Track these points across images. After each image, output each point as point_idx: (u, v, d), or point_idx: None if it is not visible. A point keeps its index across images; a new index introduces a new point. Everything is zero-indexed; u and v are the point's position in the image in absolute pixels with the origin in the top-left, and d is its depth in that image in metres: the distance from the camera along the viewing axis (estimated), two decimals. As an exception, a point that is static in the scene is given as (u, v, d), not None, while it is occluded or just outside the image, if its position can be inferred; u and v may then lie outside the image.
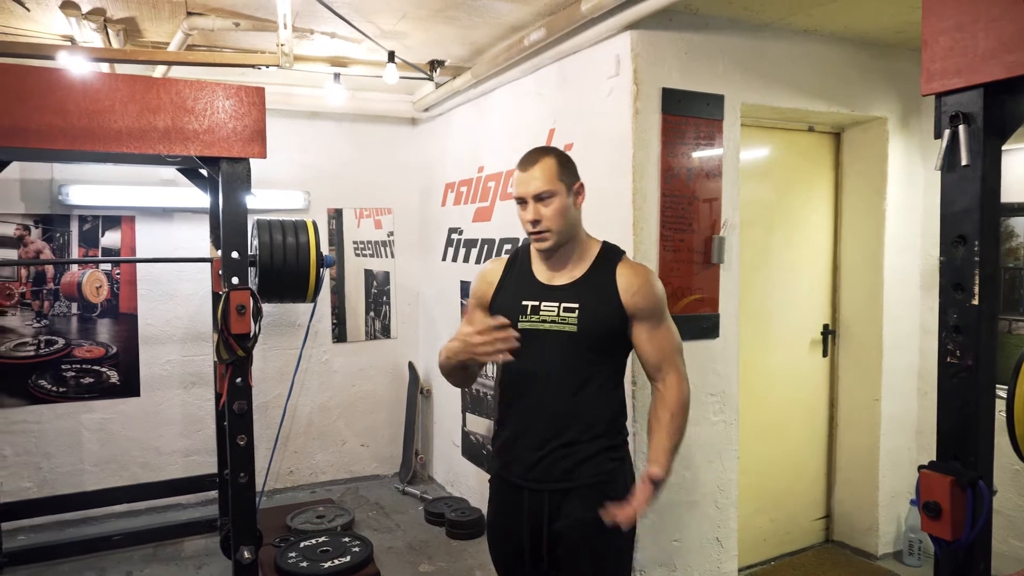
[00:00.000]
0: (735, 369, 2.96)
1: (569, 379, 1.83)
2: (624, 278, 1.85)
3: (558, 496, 1.84)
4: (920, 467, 1.77)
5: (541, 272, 1.92)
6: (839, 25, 2.93)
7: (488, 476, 2.04)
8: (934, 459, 1.66)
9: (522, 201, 1.84)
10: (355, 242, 4.76)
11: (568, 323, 1.82)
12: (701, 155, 2.80)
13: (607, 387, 1.88)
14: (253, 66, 2.55)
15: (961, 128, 1.67)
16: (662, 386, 1.86)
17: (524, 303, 1.88)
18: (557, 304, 1.84)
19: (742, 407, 3.10)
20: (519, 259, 1.98)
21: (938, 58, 1.74)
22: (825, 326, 3.52)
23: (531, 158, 1.85)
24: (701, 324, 2.85)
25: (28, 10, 2.52)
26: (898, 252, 3.34)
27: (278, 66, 2.48)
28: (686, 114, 2.76)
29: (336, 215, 4.65)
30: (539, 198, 1.80)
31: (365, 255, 4.80)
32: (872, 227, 3.36)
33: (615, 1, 2.45)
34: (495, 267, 2.01)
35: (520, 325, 1.83)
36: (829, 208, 3.51)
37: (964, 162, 1.67)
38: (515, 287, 1.93)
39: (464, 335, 1.73)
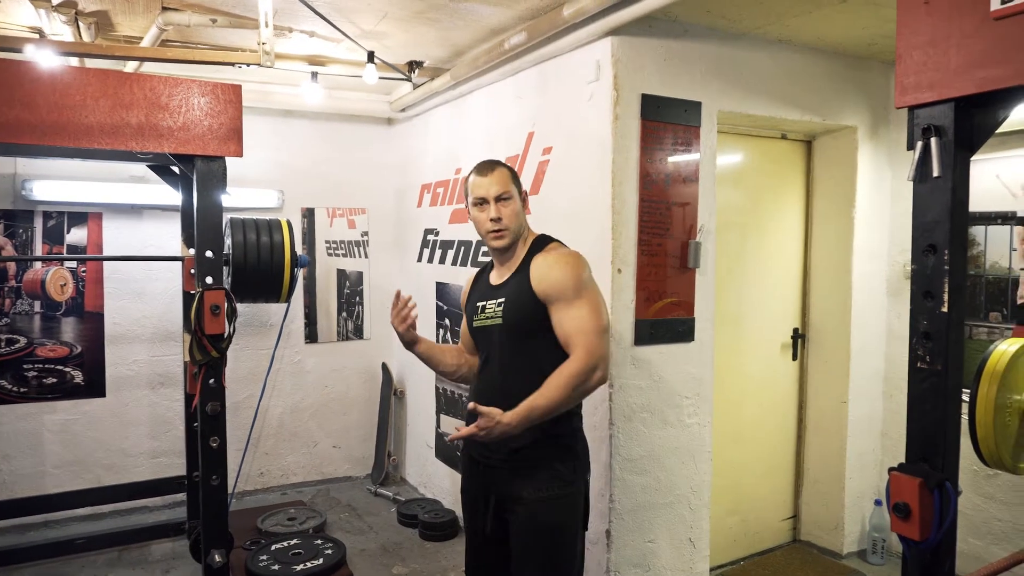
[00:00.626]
0: (710, 372, 3.00)
1: (507, 365, 2.04)
2: (535, 267, 2.03)
3: (503, 472, 2.03)
4: (890, 469, 1.82)
5: (493, 275, 2.17)
6: (812, 36, 3.00)
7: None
8: (901, 461, 1.71)
9: (482, 202, 2.05)
10: (327, 241, 4.72)
11: (498, 316, 2.06)
12: (679, 161, 2.84)
13: (539, 371, 1.96)
14: (233, 64, 2.50)
15: (933, 140, 1.72)
16: (569, 352, 1.96)
17: (478, 304, 2.15)
18: (495, 301, 2.09)
19: (715, 410, 3.15)
20: (486, 269, 2.25)
21: (911, 72, 1.79)
22: (795, 330, 3.59)
23: (489, 166, 2.09)
24: (677, 328, 2.89)
25: (-3, 0, 2.45)
26: (866, 258, 3.43)
27: (259, 64, 2.44)
28: (665, 120, 2.79)
29: (308, 214, 4.61)
30: (499, 199, 2.03)
31: (338, 255, 4.77)
32: (841, 233, 3.44)
33: (597, 7, 2.47)
34: (470, 277, 2.33)
35: (475, 323, 2.15)
36: (800, 214, 3.58)
37: (936, 173, 1.72)
38: (475, 292, 2.22)
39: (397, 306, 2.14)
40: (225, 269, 3.26)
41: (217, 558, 2.94)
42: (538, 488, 1.99)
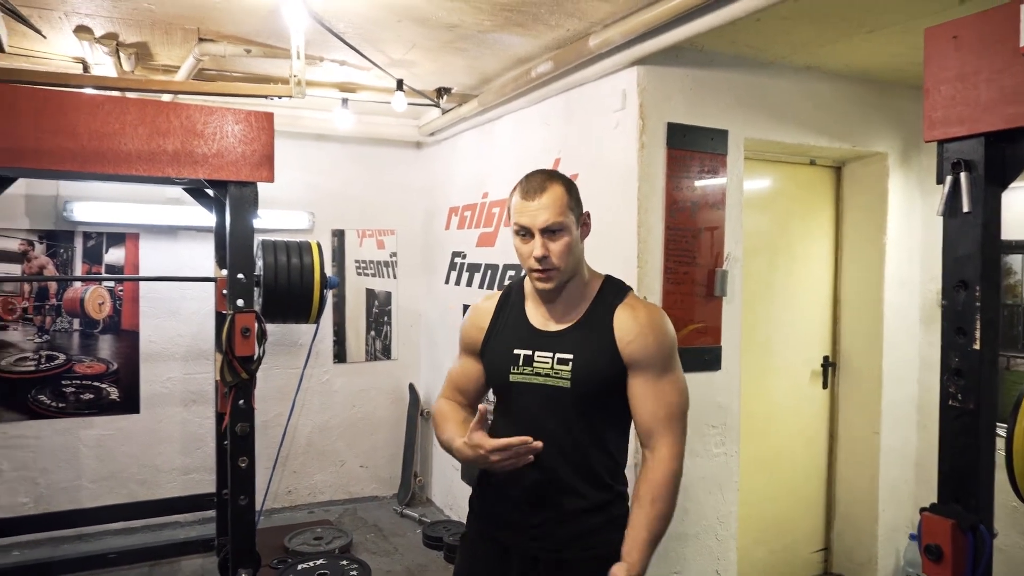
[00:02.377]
0: (737, 401, 2.97)
1: (564, 439, 1.61)
2: (622, 322, 1.62)
3: (552, 567, 1.64)
4: (922, 509, 1.78)
5: (535, 315, 1.70)
6: (840, 63, 2.98)
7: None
8: (933, 494, 1.67)
9: (525, 232, 1.59)
10: (357, 261, 4.78)
11: (562, 377, 1.61)
12: (705, 189, 2.84)
13: (604, 448, 1.66)
14: (267, 96, 2.58)
15: (963, 175, 1.70)
16: (650, 456, 1.60)
17: (516, 352, 1.66)
18: (551, 355, 1.63)
19: (743, 438, 3.11)
20: (512, 298, 1.76)
21: (940, 106, 1.78)
22: (825, 358, 3.54)
23: (539, 184, 1.59)
24: (704, 356, 2.87)
25: (44, 37, 2.56)
26: (898, 286, 3.37)
27: (291, 96, 2.51)
28: (691, 148, 2.79)
29: (338, 234, 4.68)
30: (548, 232, 1.57)
31: (367, 274, 4.83)
32: (872, 260, 3.38)
33: (623, 38, 2.49)
34: (486, 308, 1.78)
35: (512, 378, 1.66)
36: (830, 241, 3.54)
37: (966, 209, 1.70)
38: (507, 333, 1.71)
39: (481, 450, 1.51)
40: (256, 290, 3.33)
41: (244, 577, 2.98)
42: None
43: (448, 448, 1.67)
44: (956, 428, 1.76)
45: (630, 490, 1.70)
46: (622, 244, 2.77)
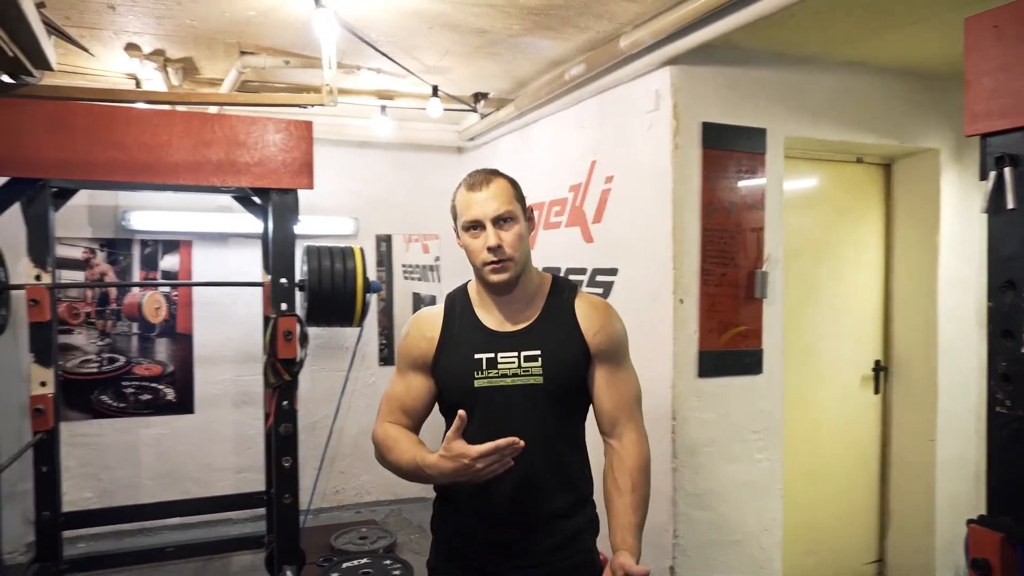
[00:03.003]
0: (780, 406, 2.89)
1: (538, 439, 1.53)
2: (584, 313, 1.61)
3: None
4: (969, 521, 1.70)
5: (489, 318, 1.63)
6: (886, 57, 2.86)
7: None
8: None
9: (476, 226, 1.54)
10: (404, 265, 4.86)
11: (532, 374, 1.56)
12: (743, 189, 2.77)
13: (575, 444, 1.65)
14: (301, 106, 2.65)
15: (1007, 170, 1.63)
16: (618, 445, 1.58)
17: (477, 357, 1.58)
18: (516, 354, 1.57)
19: (788, 445, 3.02)
20: (458, 306, 1.67)
21: (982, 99, 1.70)
22: (877, 362, 3.40)
23: (483, 177, 1.57)
24: (744, 359, 2.80)
25: (93, 55, 2.69)
26: (953, 287, 3.21)
27: (323, 105, 2.57)
28: (727, 148, 2.73)
29: (386, 239, 4.76)
30: (498, 221, 1.53)
31: (413, 278, 4.89)
32: (925, 260, 3.24)
33: (653, 38, 2.45)
34: (431, 318, 1.67)
35: (476, 383, 1.57)
36: (880, 240, 3.40)
37: (1010, 205, 1.62)
38: (462, 339, 1.62)
39: (464, 459, 1.40)
40: (301, 295, 3.42)
41: (289, 574, 3.06)
42: None
43: (411, 468, 1.54)
44: (1005, 436, 1.68)
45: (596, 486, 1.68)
46: (657, 246, 2.73)
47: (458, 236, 1.62)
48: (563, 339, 1.59)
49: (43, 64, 1.80)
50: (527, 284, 1.62)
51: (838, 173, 3.32)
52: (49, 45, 1.76)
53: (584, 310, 1.62)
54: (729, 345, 2.77)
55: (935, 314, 3.20)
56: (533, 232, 1.69)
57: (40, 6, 1.63)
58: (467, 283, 1.69)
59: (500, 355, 1.58)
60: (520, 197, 1.60)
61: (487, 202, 1.53)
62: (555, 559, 1.59)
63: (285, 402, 3.05)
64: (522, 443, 1.40)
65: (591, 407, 1.66)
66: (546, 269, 3.66)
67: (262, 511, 3.86)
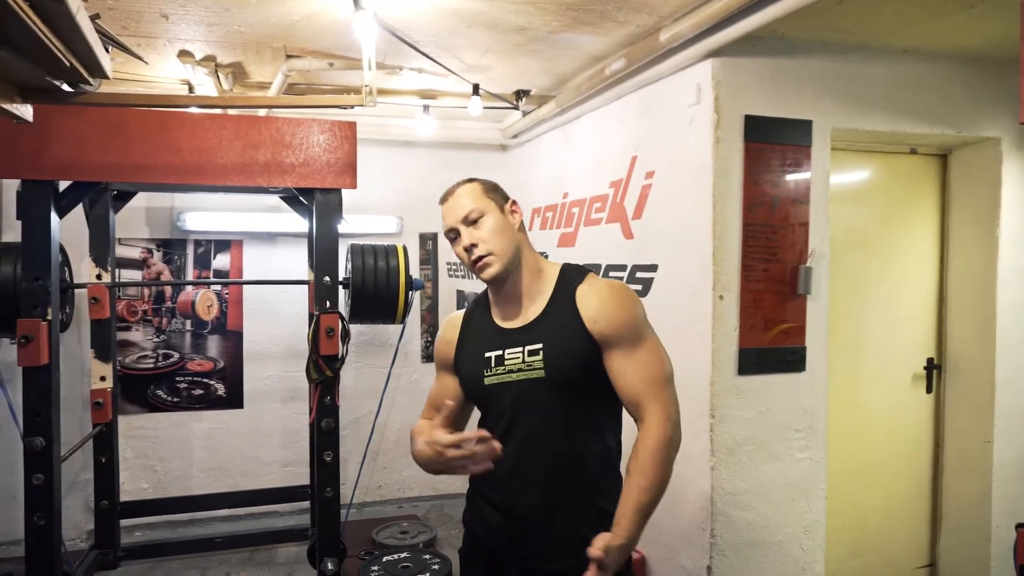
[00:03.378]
0: (823, 404, 2.82)
1: (549, 435, 1.58)
2: (585, 300, 1.58)
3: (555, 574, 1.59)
4: (1018, 525, 1.64)
5: (499, 315, 1.67)
6: (942, 43, 2.76)
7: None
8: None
9: (454, 234, 1.61)
10: (448, 263, 4.91)
11: (535, 368, 1.57)
12: (787, 183, 2.71)
13: (595, 434, 1.62)
14: (342, 107, 2.71)
15: (1064, 160, 1.56)
16: (641, 428, 1.55)
17: (487, 355, 1.63)
18: (520, 349, 1.60)
19: (834, 444, 2.95)
20: (479, 307, 1.74)
21: None
22: (929, 360, 3.29)
23: (452, 188, 1.65)
24: (786, 357, 2.74)
25: (147, 63, 2.80)
26: (1014, 282, 3.08)
27: (362, 106, 2.62)
28: (771, 141, 2.68)
29: (431, 237, 4.82)
30: (468, 221, 1.59)
31: (457, 276, 4.94)
32: (983, 254, 3.11)
33: (693, 31, 2.42)
34: (452, 322, 1.78)
35: (486, 381, 1.62)
36: (934, 234, 3.29)
37: (1067, 196, 1.55)
38: (476, 339, 1.69)
39: (437, 447, 1.47)
40: (345, 292, 3.49)
41: (330, 566, 3.13)
42: None
43: (417, 457, 1.61)
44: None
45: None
46: (697, 241, 2.70)
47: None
48: (565, 330, 1.58)
49: (99, 73, 1.87)
50: (528, 277, 1.64)
51: (891, 165, 3.22)
52: (104, 55, 1.83)
53: (585, 296, 1.59)
54: (771, 342, 2.72)
55: (993, 310, 3.08)
56: (516, 218, 1.67)
57: (96, 17, 1.71)
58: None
59: (507, 352, 1.61)
60: (492, 193, 1.64)
61: (454, 208, 1.61)
62: (560, 555, 1.57)
63: (327, 398, 3.12)
64: (497, 445, 1.44)
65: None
66: (588, 266, 3.66)
67: (307, 504, 3.97)
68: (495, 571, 1.66)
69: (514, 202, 1.68)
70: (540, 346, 1.58)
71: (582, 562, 1.40)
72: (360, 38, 2.46)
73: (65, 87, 1.99)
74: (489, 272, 1.59)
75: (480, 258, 1.58)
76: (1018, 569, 1.46)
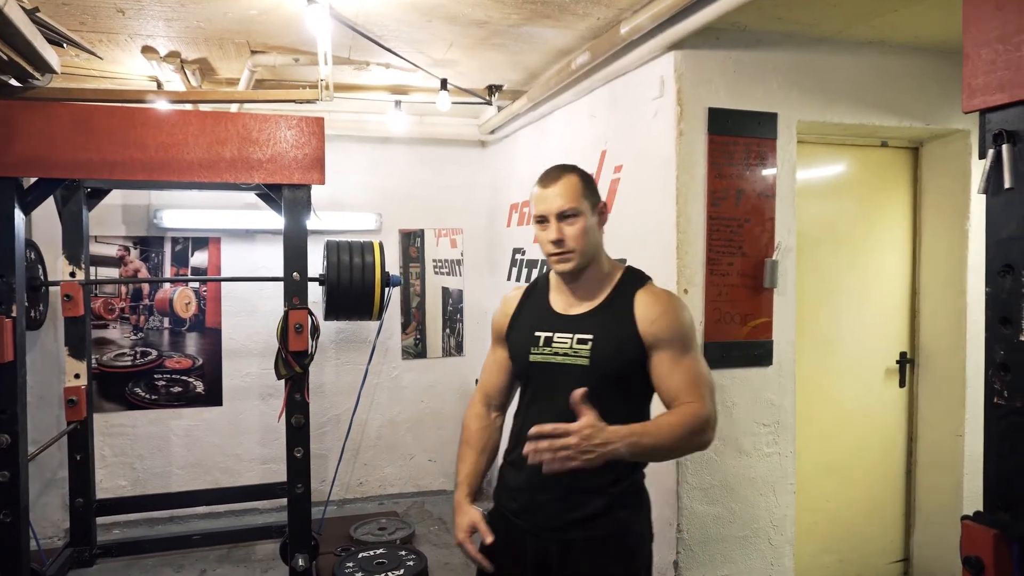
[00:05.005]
0: (791, 399, 2.81)
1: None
2: (643, 305, 1.70)
3: (564, 545, 1.71)
4: (963, 517, 1.64)
5: (558, 301, 1.80)
6: (907, 35, 2.75)
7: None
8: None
9: (543, 220, 1.72)
10: (434, 260, 4.91)
11: (581, 355, 1.69)
12: (752, 176, 2.70)
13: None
14: (296, 101, 2.70)
15: (1004, 148, 1.56)
16: (679, 404, 1.64)
17: (537, 334, 1.76)
18: (571, 335, 1.72)
19: (805, 439, 2.94)
20: (538, 288, 1.88)
21: (980, 72, 1.63)
22: (902, 354, 3.28)
23: (553, 175, 1.74)
24: (752, 351, 2.73)
25: (101, 58, 2.79)
26: (983, 275, 3.06)
27: (319, 100, 2.61)
28: (735, 134, 2.67)
29: (419, 234, 4.82)
30: (562, 216, 1.68)
31: (442, 273, 4.94)
32: (954, 247, 3.10)
33: (653, 22, 2.41)
34: (513, 296, 1.92)
35: (531, 357, 1.75)
36: (906, 228, 3.27)
37: (1007, 185, 1.56)
38: (529, 317, 1.82)
39: (456, 523, 1.82)
40: (321, 289, 3.48)
41: (300, 562, 3.13)
42: (627, 569, 1.71)
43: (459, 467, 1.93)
44: (1002, 428, 1.62)
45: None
46: (662, 235, 2.69)
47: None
48: (617, 327, 1.69)
49: (46, 67, 1.87)
50: (595, 273, 1.76)
51: (862, 158, 3.21)
52: (48, 49, 1.83)
53: (644, 301, 1.71)
54: (736, 336, 2.71)
55: (963, 304, 3.07)
56: (602, 221, 1.79)
57: (35, 11, 1.70)
58: (551, 269, 1.82)
59: (557, 335, 1.74)
60: (589, 193, 1.74)
61: (553, 198, 1.69)
62: (586, 529, 1.69)
63: (297, 394, 3.11)
64: (487, 566, 1.74)
65: (655, 397, 1.75)
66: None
67: (286, 501, 3.95)
68: (516, 538, 1.76)
69: (604, 204, 1.80)
70: (591, 336, 1.70)
71: (593, 535, 1.66)
72: (314, 32, 2.45)
73: (12, 82, 1.99)
74: (566, 267, 1.71)
75: (562, 252, 1.69)
76: (963, 562, 1.47)
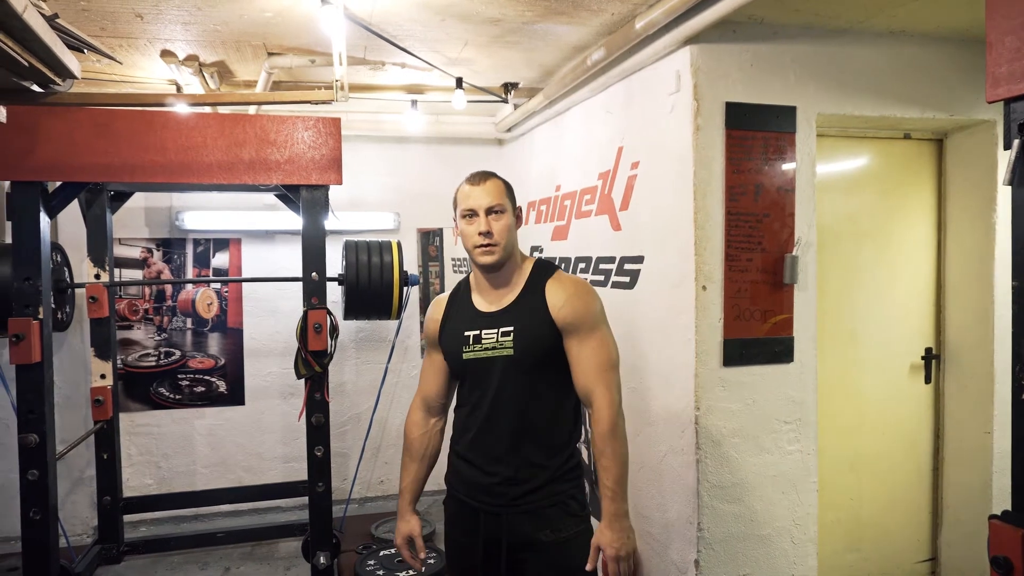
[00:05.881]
0: (813, 395, 2.77)
1: (513, 405, 1.87)
2: (552, 292, 1.89)
3: (510, 516, 1.89)
4: (991, 517, 1.61)
5: (480, 301, 1.97)
6: (930, 24, 2.69)
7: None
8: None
9: (472, 214, 1.88)
10: (453, 259, 4.91)
11: (506, 347, 1.87)
12: (771, 170, 2.66)
13: (556, 410, 1.91)
14: (312, 102, 2.71)
15: (1030, 139, 1.52)
16: (591, 414, 1.86)
17: (466, 334, 1.93)
18: (496, 330, 1.89)
19: (828, 436, 2.90)
20: (460, 292, 2.04)
21: (1004, 60, 1.59)
22: (928, 350, 3.22)
23: (481, 176, 1.93)
24: (773, 348, 2.70)
25: (120, 63, 2.83)
26: (1011, 268, 3.00)
27: (334, 101, 2.62)
28: (753, 128, 2.63)
29: (438, 233, 4.83)
30: (490, 211, 1.87)
31: (462, 272, 4.94)
32: (981, 240, 3.03)
33: (668, 16, 2.39)
34: (439, 303, 2.08)
35: (464, 356, 1.92)
36: (931, 221, 3.21)
37: (1033, 177, 1.51)
38: (457, 319, 1.98)
39: (397, 528, 2.07)
40: (340, 289, 3.51)
41: (322, 560, 3.15)
42: (556, 530, 1.88)
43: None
44: (1029, 426, 1.57)
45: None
46: (679, 231, 2.66)
47: (456, 225, 1.96)
48: (533, 316, 1.88)
49: (66, 72, 1.90)
50: (511, 269, 1.94)
51: (885, 150, 3.15)
52: (67, 54, 1.85)
53: (552, 289, 1.90)
54: (756, 333, 2.68)
55: (991, 298, 3.00)
56: (519, 223, 2.00)
57: (54, 17, 1.72)
58: (470, 273, 2.04)
59: (484, 331, 1.91)
60: (510, 194, 1.96)
61: (483, 195, 1.88)
62: (530, 500, 1.88)
63: (317, 393, 3.14)
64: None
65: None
66: (579, 259, 3.65)
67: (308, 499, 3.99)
68: (470, 515, 1.94)
69: (520, 208, 2.04)
70: (511, 328, 1.88)
71: (537, 506, 1.87)
72: (329, 33, 2.46)
73: (35, 87, 2.02)
74: (490, 259, 1.87)
75: (488, 244, 1.85)
76: (991, 561, 1.44)
